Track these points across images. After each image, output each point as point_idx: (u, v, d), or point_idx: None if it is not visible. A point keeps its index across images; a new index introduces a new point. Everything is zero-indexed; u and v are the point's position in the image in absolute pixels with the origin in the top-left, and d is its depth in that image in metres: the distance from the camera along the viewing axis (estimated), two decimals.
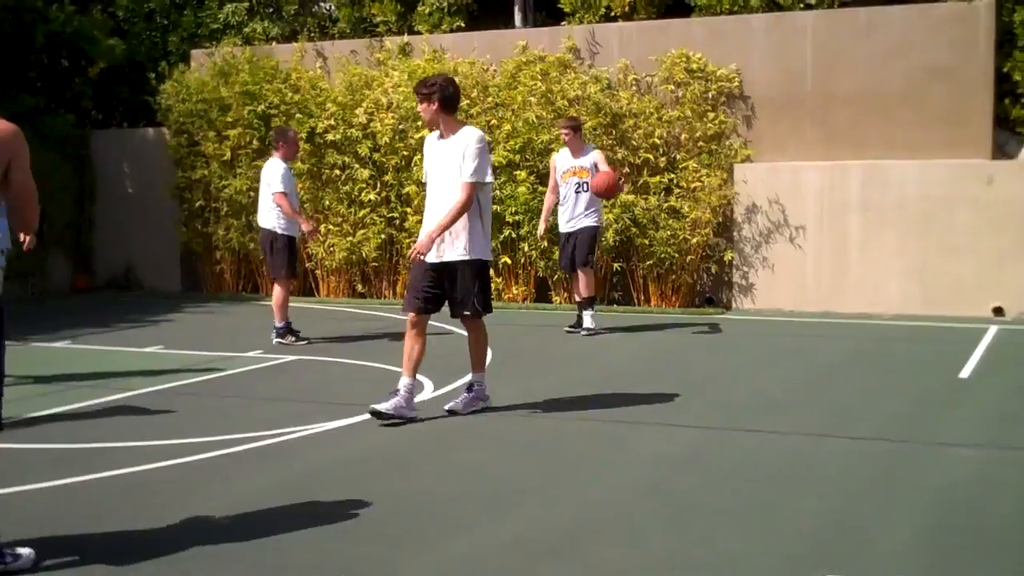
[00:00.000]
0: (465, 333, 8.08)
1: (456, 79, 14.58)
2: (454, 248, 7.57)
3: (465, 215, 7.47)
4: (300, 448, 7.01)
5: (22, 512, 5.62)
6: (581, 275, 11.99)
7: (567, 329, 12.18)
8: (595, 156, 11.86)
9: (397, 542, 5.19)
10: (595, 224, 11.97)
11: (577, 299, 12.30)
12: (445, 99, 7.53)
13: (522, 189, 14.22)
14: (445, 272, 7.64)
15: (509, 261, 14.63)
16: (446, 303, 7.83)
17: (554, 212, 12.25)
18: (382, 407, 7.59)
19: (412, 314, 7.72)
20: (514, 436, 7.33)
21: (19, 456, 6.82)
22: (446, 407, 7.88)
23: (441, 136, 7.64)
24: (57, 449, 6.97)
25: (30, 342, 11.68)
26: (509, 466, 6.57)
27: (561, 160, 12.05)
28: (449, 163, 7.52)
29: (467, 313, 7.76)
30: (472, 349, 7.98)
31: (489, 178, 7.60)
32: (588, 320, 12.03)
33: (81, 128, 17.66)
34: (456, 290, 7.67)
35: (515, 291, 14.76)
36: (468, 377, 8.10)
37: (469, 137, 7.52)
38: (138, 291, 17.08)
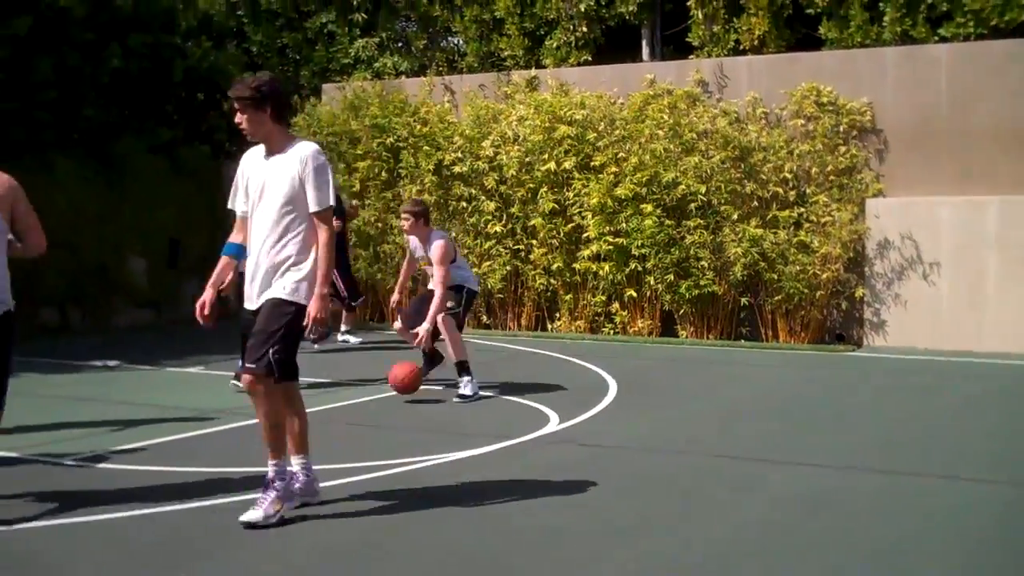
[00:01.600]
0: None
1: (584, 112, 14.80)
2: (274, 287, 5.91)
3: (294, 246, 5.89)
4: (424, 478, 7.01)
5: (176, 529, 5.73)
6: (441, 329, 9.81)
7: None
8: (435, 250, 9.79)
9: (519, 574, 5.15)
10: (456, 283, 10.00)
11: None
12: (279, 104, 5.93)
13: (648, 222, 14.12)
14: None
15: (635, 294, 14.54)
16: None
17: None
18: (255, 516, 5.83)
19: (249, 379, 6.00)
20: (638, 472, 7.24)
21: (152, 478, 6.96)
22: (241, 519, 5.82)
23: (269, 152, 5.97)
24: (188, 472, 7.09)
25: (164, 367, 11.95)
26: (633, 502, 6.48)
27: (414, 245, 10.20)
28: (278, 187, 5.88)
29: (252, 366, 5.82)
30: (263, 427, 5.98)
31: (333, 201, 5.93)
32: (465, 386, 9.88)
33: (215, 160, 18.08)
34: (252, 333, 5.90)
35: (640, 325, 14.66)
36: (529, 435, 7.93)
37: (304, 153, 5.87)
38: None
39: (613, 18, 18.15)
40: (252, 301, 5.99)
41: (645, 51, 18.49)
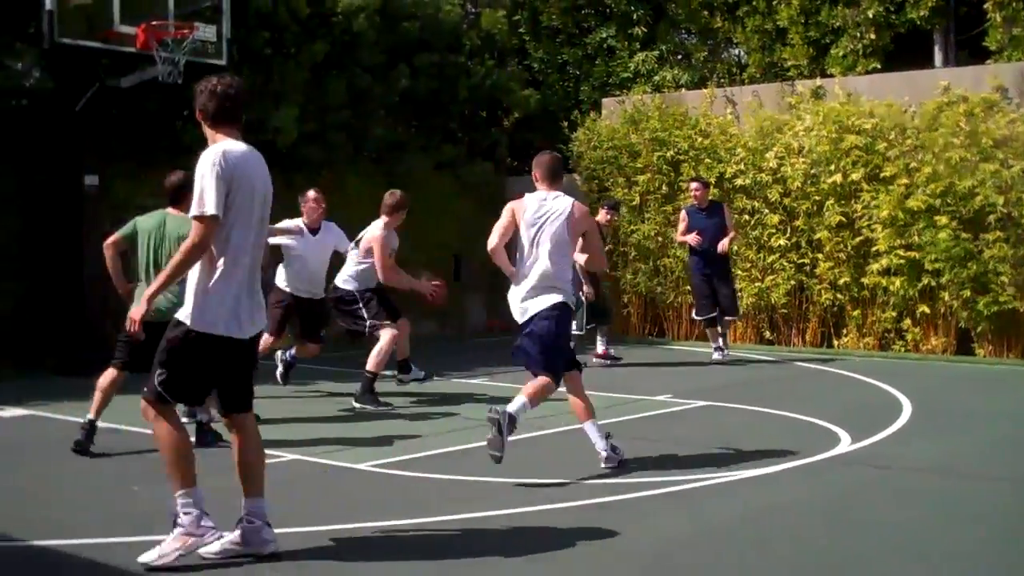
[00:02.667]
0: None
1: (873, 121, 14.20)
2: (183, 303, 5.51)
3: (199, 263, 5.36)
4: (710, 495, 6.85)
5: (451, 538, 5.79)
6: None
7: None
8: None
9: None
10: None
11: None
12: (202, 108, 5.49)
13: (943, 235, 13.47)
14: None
15: (928, 310, 13.89)
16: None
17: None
18: (151, 558, 5.25)
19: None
20: (935, 496, 6.85)
21: (442, 487, 7.05)
22: (139, 558, 5.27)
23: None
24: (475, 482, 7.15)
25: (450, 378, 12.18)
26: (929, 528, 6.15)
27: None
28: None
29: (145, 390, 5.42)
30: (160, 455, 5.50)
31: (210, 209, 5.23)
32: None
33: (497, 175, 18.40)
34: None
35: (934, 342, 13.98)
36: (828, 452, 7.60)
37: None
38: None
39: (903, 24, 17.43)
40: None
41: (938, 57, 17.68)
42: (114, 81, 12.46)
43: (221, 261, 5.32)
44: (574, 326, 12.64)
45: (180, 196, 7.88)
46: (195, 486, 5.36)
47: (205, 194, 5.23)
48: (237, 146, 5.42)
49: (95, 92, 12.25)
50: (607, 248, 13.85)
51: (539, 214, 7.37)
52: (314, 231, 10.34)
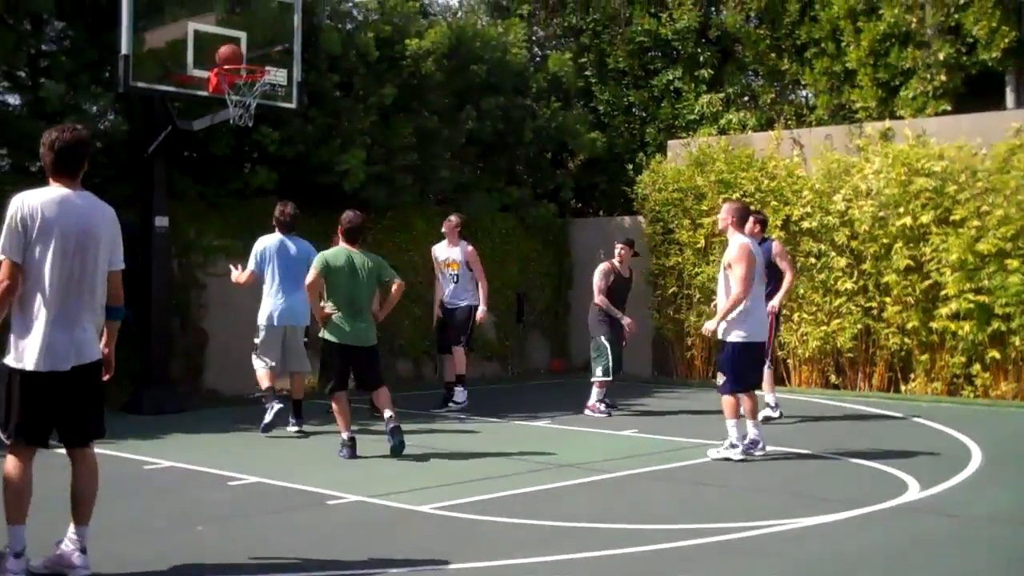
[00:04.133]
0: None
1: (943, 163, 14.06)
2: None
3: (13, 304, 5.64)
4: (776, 542, 6.76)
5: None
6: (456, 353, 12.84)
7: (433, 410, 12.70)
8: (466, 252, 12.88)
9: None
10: (470, 304, 12.88)
11: (448, 378, 13.14)
12: (41, 159, 5.79)
13: (1014, 279, 13.26)
14: None
15: (998, 356, 13.65)
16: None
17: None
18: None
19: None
20: (1006, 547, 6.73)
21: (505, 530, 7.03)
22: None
23: None
24: (538, 526, 7.12)
25: (511, 420, 12.16)
26: None
27: (439, 251, 13.13)
28: None
29: None
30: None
31: (3, 253, 5.57)
32: (460, 395, 12.78)
33: (561, 217, 18.43)
34: None
35: (1004, 388, 13.72)
36: None
37: None
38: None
39: (974, 66, 17.25)
40: None
41: (1010, 99, 17.46)
42: (186, 124, 12.67)
43: (25, 300, 5.61)
44: (599, 371, 12.52)
45: (355, 235, 9.58)
46: (23, 524, 5.52)
47: (2, 238, 5.59)
48: (51, 193, 5.68)
49: (167, 134, 12.44)
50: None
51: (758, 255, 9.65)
52: None
